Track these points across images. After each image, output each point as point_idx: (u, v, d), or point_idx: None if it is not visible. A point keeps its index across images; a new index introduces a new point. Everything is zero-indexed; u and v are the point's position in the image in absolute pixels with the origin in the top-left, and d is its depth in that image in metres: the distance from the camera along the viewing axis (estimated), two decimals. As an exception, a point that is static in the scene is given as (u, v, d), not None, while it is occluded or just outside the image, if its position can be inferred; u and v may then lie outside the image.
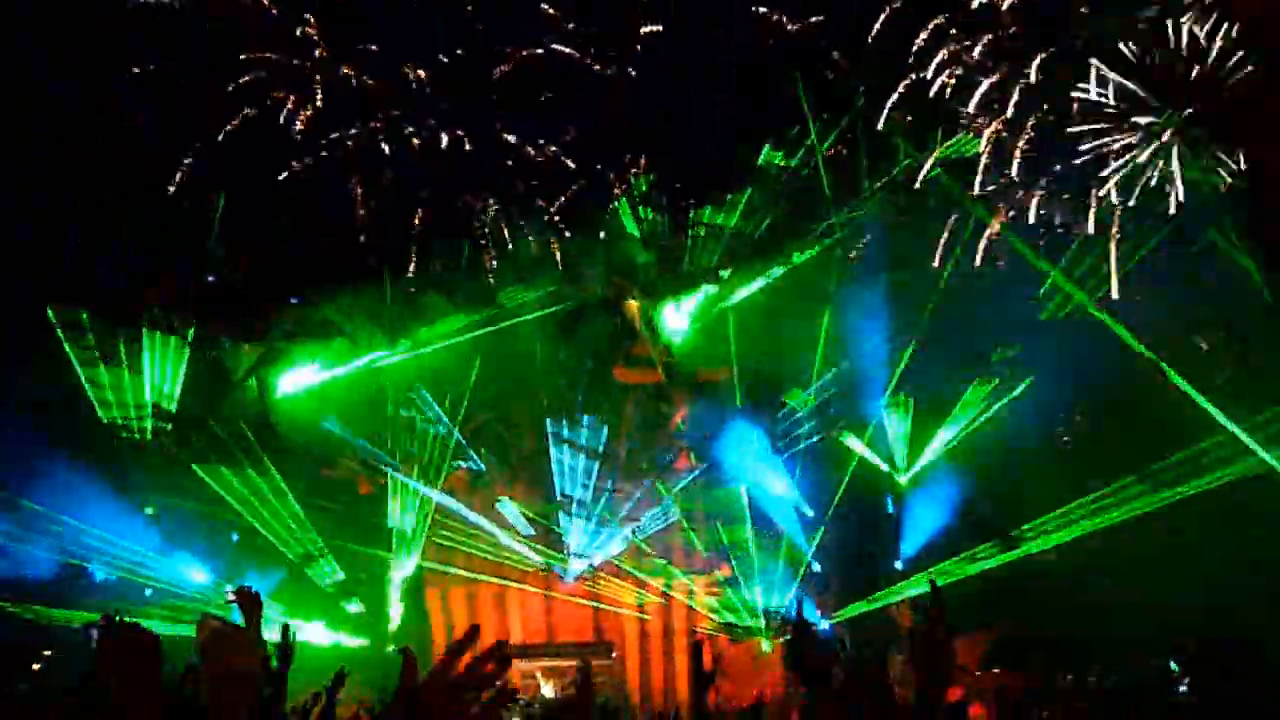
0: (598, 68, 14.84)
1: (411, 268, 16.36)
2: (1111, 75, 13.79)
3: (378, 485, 17.37)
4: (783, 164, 16.62)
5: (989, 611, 15.61)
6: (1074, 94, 14.26)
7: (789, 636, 3.82)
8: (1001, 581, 16.08)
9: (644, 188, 16.57)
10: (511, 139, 15.36)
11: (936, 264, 16.15)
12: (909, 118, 15.14)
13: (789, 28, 15.10)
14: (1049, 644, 14.60)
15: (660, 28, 14.90)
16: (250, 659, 2.49)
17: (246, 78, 14.65)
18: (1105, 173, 14.41)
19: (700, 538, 18.14)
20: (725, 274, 17.44)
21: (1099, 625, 14.29)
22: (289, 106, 14.85)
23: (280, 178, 15.43)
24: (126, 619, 2.99)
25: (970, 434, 17.13)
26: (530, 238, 16.41)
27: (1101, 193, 14.50)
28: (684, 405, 18.22)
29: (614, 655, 17.54)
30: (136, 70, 14.38)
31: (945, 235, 15.96)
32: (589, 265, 17.01)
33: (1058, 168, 14.64)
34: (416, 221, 15.86)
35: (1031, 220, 15.10)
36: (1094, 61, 13.96)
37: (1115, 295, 15.00)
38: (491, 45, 14.93)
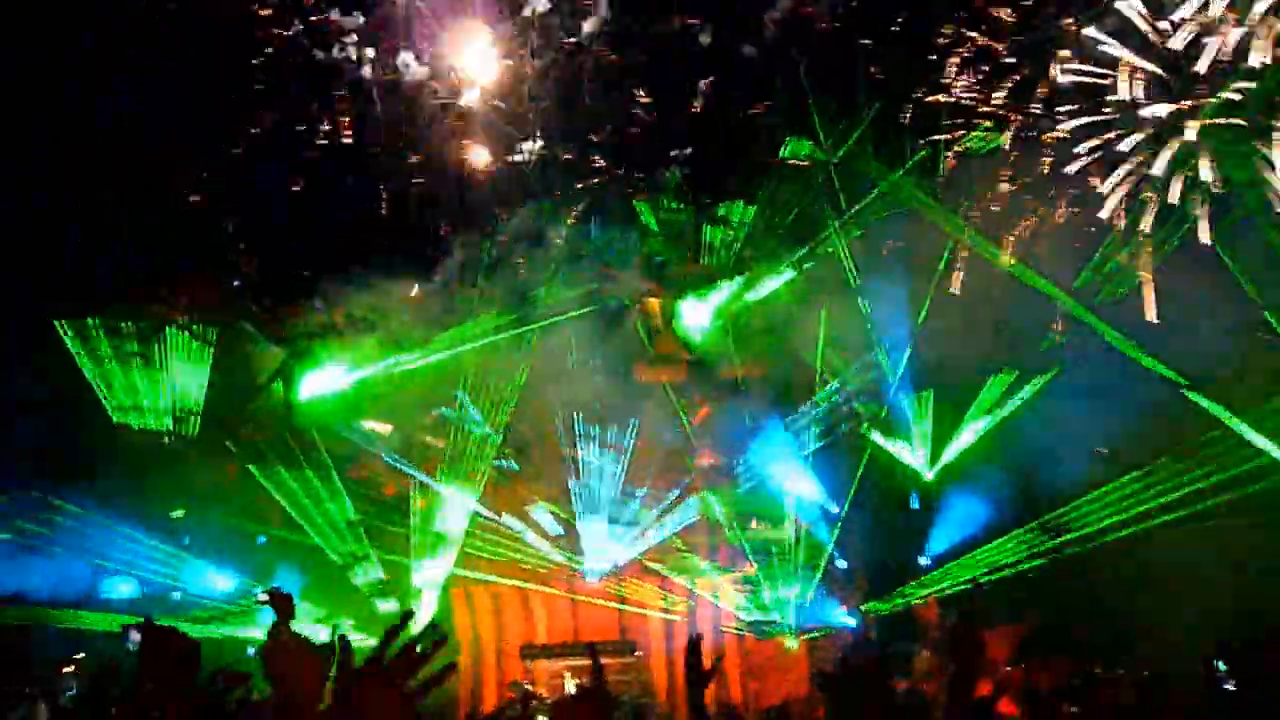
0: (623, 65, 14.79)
1: (440, 267, 16.41)
2: (1135, 59, 12.78)
3: (402, 486, 17.42)
4: (809, 156, 16.54)
5: (1018, 605, 15.50)
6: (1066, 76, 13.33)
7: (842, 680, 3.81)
8: (1032, 575, 15.97)
9: (673, 183, 16.55)
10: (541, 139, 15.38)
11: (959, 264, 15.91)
12: (943, 102, 14.68)
13: (820, 25, 14.94)
14: (1081, 638, 14.45)
15: (695, 20, 14.77)
16: (310, 664, 2.53)
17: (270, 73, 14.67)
18: (1113, 179, 13.52)
19: (724, 535, 18.12)
20: (751, 268, 17.39)
21: (1135, 620, 14.11)
22: (313, 109, 14.91)
23: (299, 185, 15.50)
24: (163, 623, 3.03)
25: (999, 428, 17.02)
26: (560, 237, 16.44)
27: (1110, 205, 13.55)
28: (706, 403, 18.20)
29: (638, 654, 17.53)
30: (144, 69, 14.32)
31: (964, 234, 15.64)
32: (621, 264, 17.01)
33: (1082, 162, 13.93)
34: (444, 221, 15.90)
35: (1060, 220, 14.51)
36: (1098, 36, 12.83)
37: (1152, 318, 14.20)
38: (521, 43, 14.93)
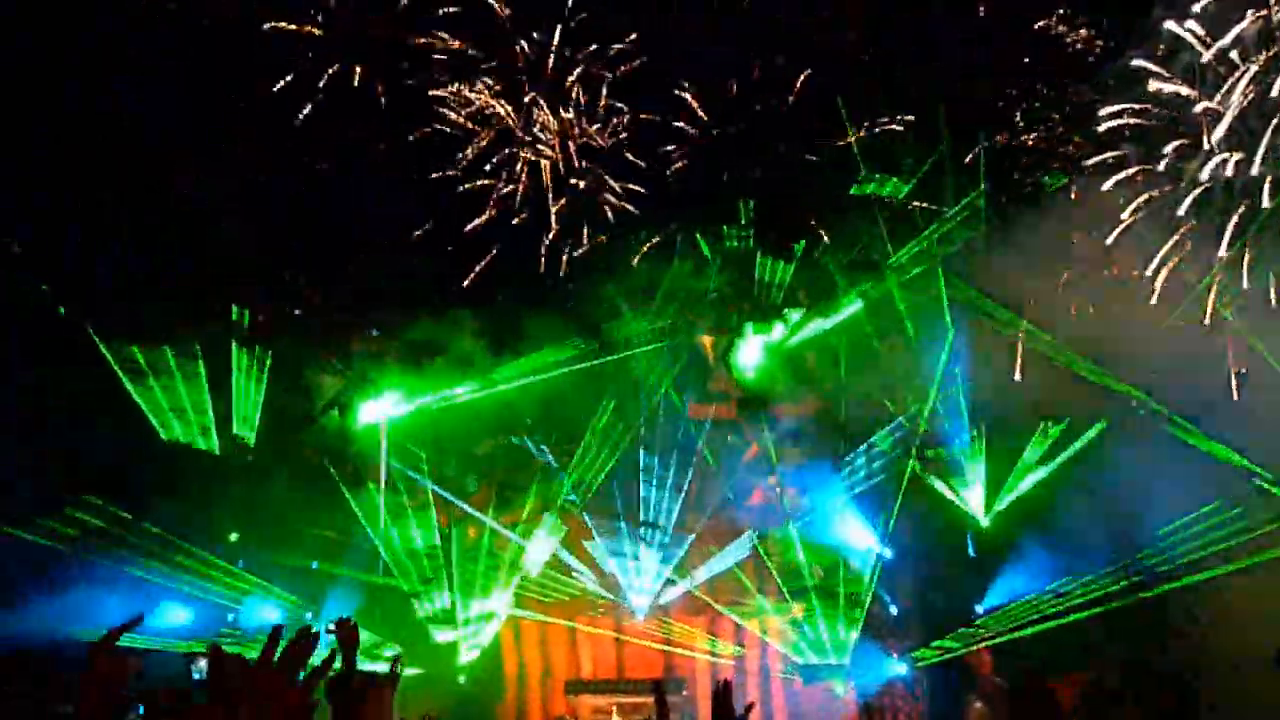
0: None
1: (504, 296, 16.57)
2: (1211, 104, 12.19)
3: (455, 517, 17.45)
4: (875, 193, 16.53)
5: (1079, 655, 15.09)
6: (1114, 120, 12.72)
7: None
8: (1092, 625, 15.55)
9: (742, 215, 16.65)
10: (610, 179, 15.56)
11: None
12: (1014, 141, 14.41)
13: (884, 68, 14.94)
14: (1145, 692, 14.00)
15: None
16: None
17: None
18: (1155, 262, 12.78)
19: (773, 576, 17.91)
20: (805, 308, 17.36)
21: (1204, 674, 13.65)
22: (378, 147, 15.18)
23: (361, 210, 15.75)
24: (227, 649, 3.09)
25: (1057, 475, 16.66)
26: (629, 271, 16.59)
27: (1156, 290, 12.70)
28: (759, 441, 18.09)
29: (684, 693, 17.36)
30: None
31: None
32: (693, 300, 17.09)
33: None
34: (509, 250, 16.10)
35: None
36: (1150, 67, 12.27)
37: (1236, 396, 13.76)
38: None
